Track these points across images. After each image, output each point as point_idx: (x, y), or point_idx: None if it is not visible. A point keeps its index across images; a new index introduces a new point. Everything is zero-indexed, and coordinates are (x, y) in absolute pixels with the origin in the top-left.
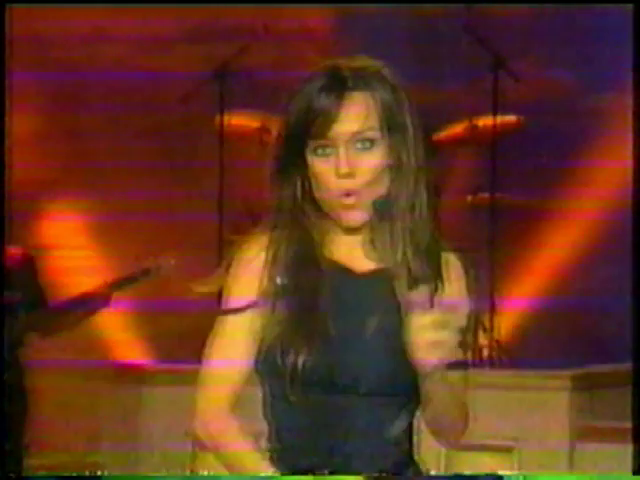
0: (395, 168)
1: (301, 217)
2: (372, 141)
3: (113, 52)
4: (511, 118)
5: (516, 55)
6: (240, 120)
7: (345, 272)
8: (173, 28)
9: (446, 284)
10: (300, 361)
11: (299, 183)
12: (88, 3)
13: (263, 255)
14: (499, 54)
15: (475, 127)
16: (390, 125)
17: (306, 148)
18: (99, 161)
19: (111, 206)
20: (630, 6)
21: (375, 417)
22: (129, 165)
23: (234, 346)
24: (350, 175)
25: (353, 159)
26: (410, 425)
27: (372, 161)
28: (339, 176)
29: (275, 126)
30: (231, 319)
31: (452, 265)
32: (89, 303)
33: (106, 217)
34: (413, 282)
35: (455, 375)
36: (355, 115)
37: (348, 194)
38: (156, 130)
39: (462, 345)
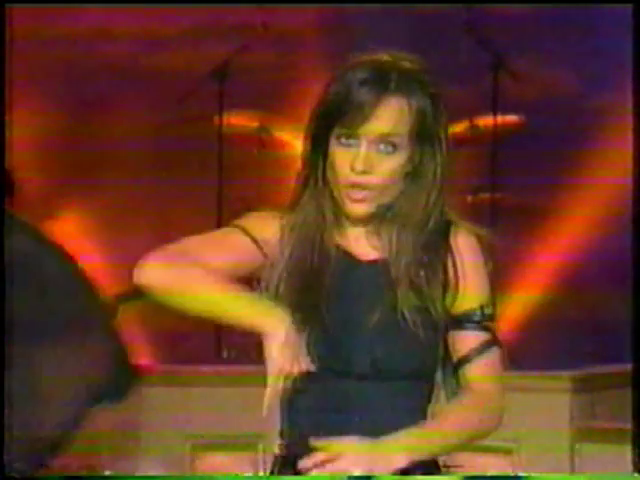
0: (414, 177)
1: (317, 200)
2: (395, 146)
3: (113, 52)
4: (511, 118)
5: (516, 55)
6: (239, 120)
7: (351, 258)
8: (173, 28)
9: (457, 262)
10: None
11: (321, 165)
12: (88, 3)
13: (278, 235)
14: (499, 53)
15: (475, 127)
16: (421, 134)
17: (332, 133)
18: (99, 161)
19: (109, 206)
20: (630, 6)
21: (379, 403)
22: (128, 164)
23: (226, 245)
24: (364, 173)
25: (371, 159)
26: (424, 413)
27: (390, 165)
28: (353, 171)
29: (274, 126)
30: (238, 233)
31: (462, 237)
32: None
33: (104, 217)
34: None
35: (483, 369)
36: (387, 118)
37: (357, 187)
38: (155, 130)
39: (489, 319)
